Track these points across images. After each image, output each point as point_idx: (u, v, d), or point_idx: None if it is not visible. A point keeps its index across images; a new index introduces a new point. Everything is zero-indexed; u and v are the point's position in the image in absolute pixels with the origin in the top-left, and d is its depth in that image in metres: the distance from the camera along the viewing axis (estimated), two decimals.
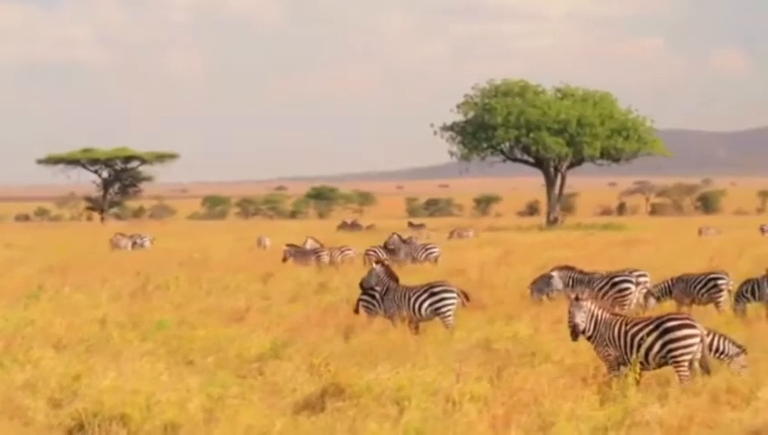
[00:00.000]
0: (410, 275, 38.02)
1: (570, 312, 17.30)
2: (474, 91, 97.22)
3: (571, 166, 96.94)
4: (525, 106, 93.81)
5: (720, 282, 25.94)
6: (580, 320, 17.22)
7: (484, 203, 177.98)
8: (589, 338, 17.39)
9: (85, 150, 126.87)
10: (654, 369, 17.04)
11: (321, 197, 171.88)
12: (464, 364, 17.10)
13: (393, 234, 46.76)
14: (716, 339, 18.05)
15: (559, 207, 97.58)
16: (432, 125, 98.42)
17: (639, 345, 16.95)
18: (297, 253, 44.82)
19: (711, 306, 25.92)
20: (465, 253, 50.52)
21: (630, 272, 27.18)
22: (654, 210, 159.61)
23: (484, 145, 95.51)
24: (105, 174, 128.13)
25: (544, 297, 26.94)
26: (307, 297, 30.39)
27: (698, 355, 16.85)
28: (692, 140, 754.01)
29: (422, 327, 23.58)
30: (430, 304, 23.70)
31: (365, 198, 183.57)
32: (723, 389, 15.70)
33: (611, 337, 17.18)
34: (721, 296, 25.74)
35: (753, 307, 24.90)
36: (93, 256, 52.67)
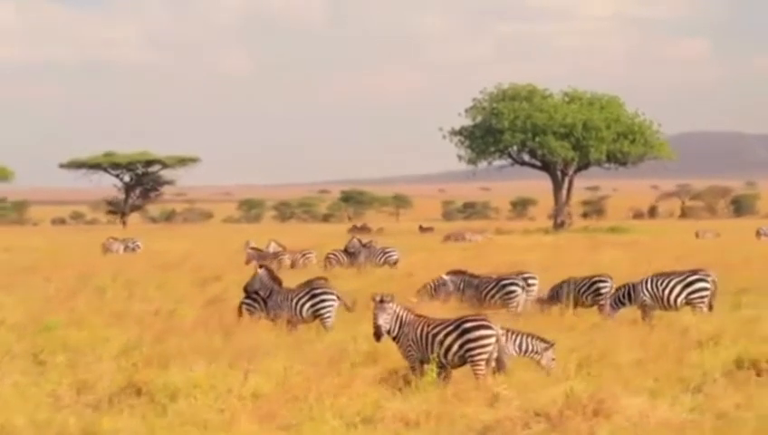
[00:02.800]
0: (366, 277, 39.03)
1: (374, 313, 18.01)
2: (482, 96, 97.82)
3: (579, 170, 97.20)
4: (532, 110, 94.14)
5: (602, 285, 26.62)
6: (384, 321, 17.94)
7: (520, 206, 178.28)
8: (394, 338, 18.10)
9: (107, 154, 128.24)
10: (453, 367, 17.72)
11: (352, 200, 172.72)
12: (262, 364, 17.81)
13: (353, 237, 47.67)
14: (524, 339, 18.74)
15: (567, 210, 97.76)
16: (441, 129, 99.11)
17: (440, 345, 17.64)
18: (259, 256, 45.77)
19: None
20: (439, 256, 51.19)
21: (518, 275, 27.83)
22: (684, 213, 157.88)
23: (492, 149, 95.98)
24: (126, 178, 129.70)
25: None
26: (228, 300, 31.12)
27: (495, 354, 17.51)
28: (738, 143, 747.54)
29: (301, 328, 24.41)
30: (311, 306, 24.54)
31: (400, 201, 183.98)
32: (472, 386, 16.37)
33: (414, 337, 17.87)
34: (603, 299, 26.34)
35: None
36: (77, 258, 53.75)
